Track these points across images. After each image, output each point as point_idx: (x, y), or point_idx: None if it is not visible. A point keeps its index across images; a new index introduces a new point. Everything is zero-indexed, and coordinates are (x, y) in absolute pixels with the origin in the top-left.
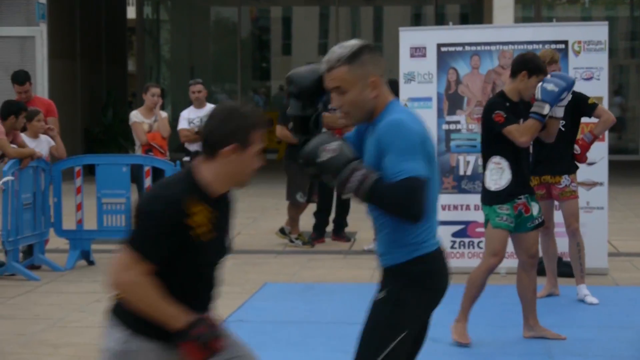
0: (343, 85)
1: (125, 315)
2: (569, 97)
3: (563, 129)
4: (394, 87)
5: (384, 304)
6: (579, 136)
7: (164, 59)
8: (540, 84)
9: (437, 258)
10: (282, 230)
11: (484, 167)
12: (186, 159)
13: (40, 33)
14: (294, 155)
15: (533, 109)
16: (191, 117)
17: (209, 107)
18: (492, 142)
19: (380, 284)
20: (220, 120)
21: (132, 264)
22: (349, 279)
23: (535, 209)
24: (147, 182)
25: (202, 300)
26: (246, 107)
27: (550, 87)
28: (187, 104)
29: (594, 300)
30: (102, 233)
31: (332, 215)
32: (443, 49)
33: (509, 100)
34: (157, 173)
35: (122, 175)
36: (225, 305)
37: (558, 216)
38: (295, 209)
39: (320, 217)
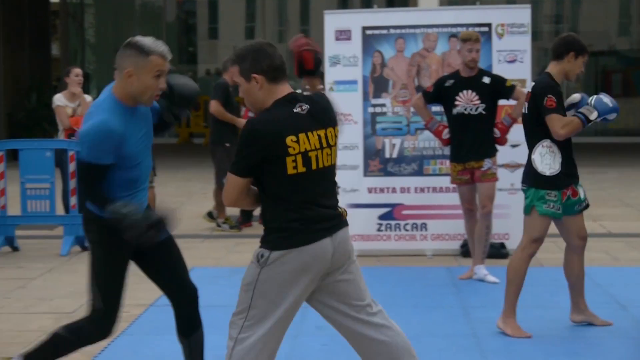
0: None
1: None
2: (605, 118)
3: (484, 113)
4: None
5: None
6: (498, 119)
7: (88, 42)
8: (598, 94)
9: (93, 214)
10: (209, 214)
11: (531, 150)
12: None
13: None
14: (220, 139)
15: (581, 110)
16: None
17: None
18: (543, 125)
19: None
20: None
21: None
22: None
23: (581, 192)
24: (72, 167)
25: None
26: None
27: (606, 100)
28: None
29: (494, 279)
30: (26, 219)
31: None
32: (368, 32)
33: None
34: None
35: (46, 160)
36: (151, 290)
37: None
38: (222, 194)
39: None
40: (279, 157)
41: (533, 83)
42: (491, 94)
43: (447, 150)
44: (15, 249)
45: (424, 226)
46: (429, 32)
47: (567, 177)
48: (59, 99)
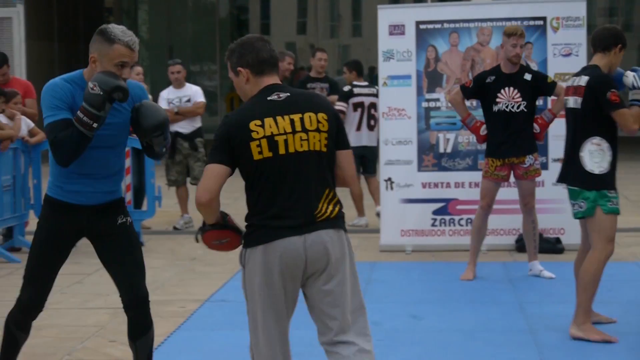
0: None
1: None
2: None
3: (525, 110)
4: (358, 66)
5: (132, 226)
6: (537, 114)
7: (142, 39)
8: (633, 72)
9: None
10: None
11: (578, 147)
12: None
13: (17, 14)
14: None
15: (635, 97)
16: (170, 97)
17: (189, 87)
18: (595, 121)
19: (119, 213)
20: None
21: None
22: None
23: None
24: (127, 162)
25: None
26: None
27: None
28: (166, 84)
29: (549, 274)
30: None
31: None
32: (422, 26)
33: None
34: (138, 153)
35: None
36: (207, 285)
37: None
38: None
39: None
40: (243, 142)
41: (583, 77)
42: (533, 91)
43: None
44: None
45: None
46: (483, 26)
47: (614, 176)
48: None
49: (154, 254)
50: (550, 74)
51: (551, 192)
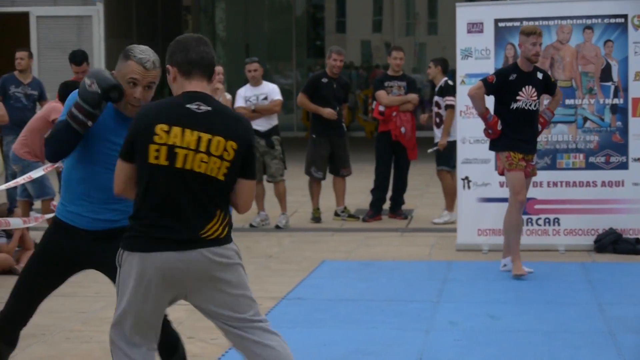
0: (155, 82)
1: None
2: None
3: (537, 108)
4: (444, 63)
5: None
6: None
7: (219, 37)
8: None
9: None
10: (336, 214)
11: None
12: None
13: (97, 12)
14: (310, 131)
15: None
16: (247, 95)
17: (266, 85)
18: None
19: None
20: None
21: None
22: (405, 257)
23: None
24: None
25: None
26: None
27: None
28: (243, 82)
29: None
30: None
31: (390, 193)
32: (500, 24)
33: None
34: None
35: None
36: (283, 283)
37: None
38: (312, 184)
39: (377, 194)
40: (144, 142)
41: None
42: (543, 90)
43: (580, 144)
44: None
45: (556, 221)
46: (563, 24)
47: None
48: None
49: None
50: (631, 72)
51: (631, 192)
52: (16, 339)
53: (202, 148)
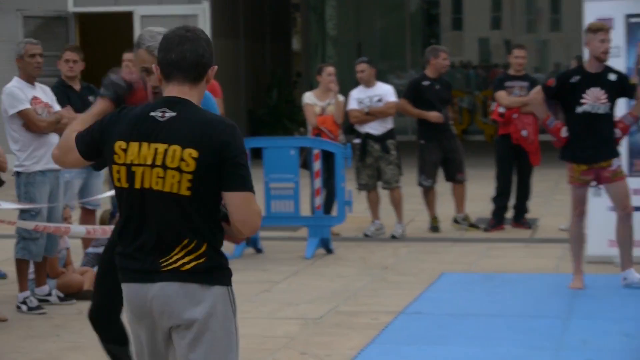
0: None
1: (219, 271)
2: None
3: (609, 112)
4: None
5: None
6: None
7: (329, 36)
8: None
9: None
10: (455, 220)
11: None
12: (357, 141)
13: (203, 11)
14: (418, 136)
15: None
16: (360, 97)
17: (380, 86)
18: None
19: None
20: (207, 42)
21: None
22: (531, 269)
23: None
24: (316, 165)
25: None
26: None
27: None
28: (355, 82)
29: None
30: (270, 220)
31: (512, 201)
32: (632, 20)
33: None
34: (327, 157)
35: (291, 159)
36: (400, 296)
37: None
38: (425, 192)
39: (499, 202)
40: (109, 162)
41: None
42: (617, 92)
43: None
44: (259, 250)
45: None
46: None
47: None
48: (308, 97)
49: (344, 262)
50: None
51: None
52: (123, 333)
53: (158, 162)
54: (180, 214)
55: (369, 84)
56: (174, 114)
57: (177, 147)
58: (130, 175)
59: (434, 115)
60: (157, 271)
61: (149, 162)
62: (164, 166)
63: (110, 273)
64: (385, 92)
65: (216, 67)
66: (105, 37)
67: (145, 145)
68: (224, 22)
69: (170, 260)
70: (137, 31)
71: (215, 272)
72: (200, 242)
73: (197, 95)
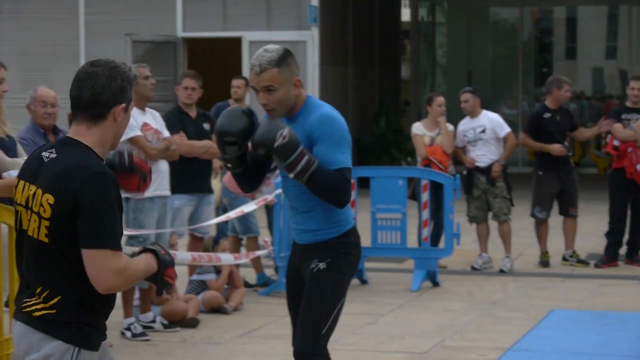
0: (274, 85)
1: (67, 327)
2: None
3: None
4: None
5: (326, 274)
6: None
7: (439, 64)
8: None
9: (357, 231)
10: (564, 258)
11: None
12: (464, 172)
13: (311, 38)
14: (539, 166)
15: None
16: (465, 129)
17: (485, 115)
18: None
19: (314, 257)
20: (109, 78)
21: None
22: None
23: None
24: (425, 196)
25: None
26: (115, 62)
27: None
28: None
29: None
30: (375, 251)
31: (626, 236)
32: None
33: None
34: (436, 187)
35: (398, 189)
36: (509, 333)
37: None
38: (538, 225)
39: (612, 237)
40: None
41: None
42: None
43: None
44: (364, 282)
45: None
46: None
47: None
48: (417, 128)
49: (451, 296)
50: None
51: None
52: None
53: (30, 204)
54: (37, 260)
55: (473, 114)
56: (55, 155)
57: (39, 191)
58: (17, 216)
59: (556, 149)
60: (20, 311)
61: (24, 203)
62: (30, 209)
63: (292, 302)
64: (492, 122)
65: (122, 105)
66: (212, 62)
67: (27, 185)
68: (333, 49)
69: (28, 303)
70: (245, 57)
71: (63, 327)
72: (53, 293)
73: (99, 135)
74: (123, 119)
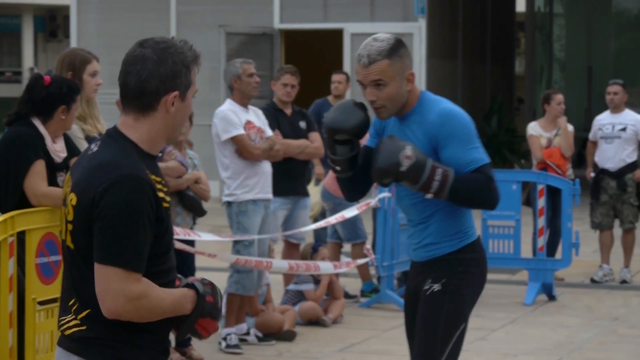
0: (384, 78)
1: (97, 345)
2: None
3: None
4: None
5: (441, 297)
6: None
7: (556, 58)
8: None
9: (480, 245)
10: None
11: None
12: (592, 175)
13: (418, 29)
14: None
15: None
16: (603, 123)
17: (627, 113)
18: None
19: (428, 276)
20: (158, 62)
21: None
22: None
23: None
24: (541, 202)
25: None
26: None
27: None
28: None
29: None
30: (487, 260)
31: None
32: None
33: None
34: (552, 193)
35: (512, 194)
36: (632, 352)
37: None
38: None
39: None
40: None
41: None
42: None
43: None
44: None
45: None
46: None
47: None
48: (533, 128)
49: (568, 311)
50: None
51: None
52: None
53: (66, 203)
54: (69, 268)
55: (617, 110)
56: (96, 149)
57: (68, 191)
58: (61, 214)
59: None
60: (61, 334)
61: (63, 202)
62: (65, 213)
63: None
64: (635, 121)
65: (175, 93)
66: (311, 56)
67: (68, 182)
68: (441, 42)
69: (64, 321)
70: (346, 50)
71: (93, 345)
72: (82, 305)
73: (148, 129)
74: (179, 109)
